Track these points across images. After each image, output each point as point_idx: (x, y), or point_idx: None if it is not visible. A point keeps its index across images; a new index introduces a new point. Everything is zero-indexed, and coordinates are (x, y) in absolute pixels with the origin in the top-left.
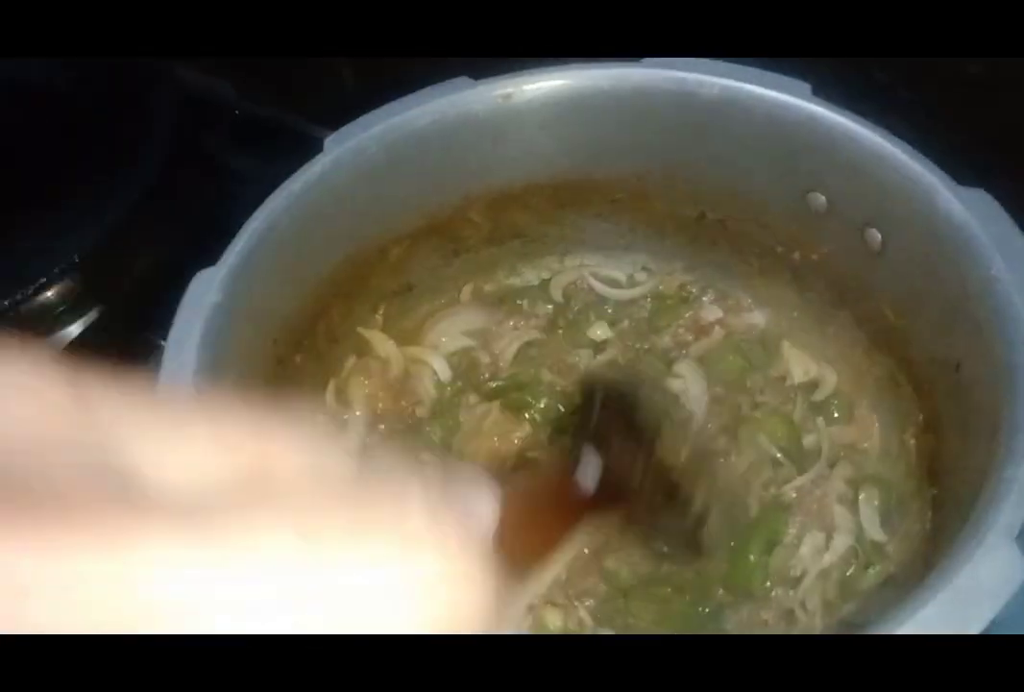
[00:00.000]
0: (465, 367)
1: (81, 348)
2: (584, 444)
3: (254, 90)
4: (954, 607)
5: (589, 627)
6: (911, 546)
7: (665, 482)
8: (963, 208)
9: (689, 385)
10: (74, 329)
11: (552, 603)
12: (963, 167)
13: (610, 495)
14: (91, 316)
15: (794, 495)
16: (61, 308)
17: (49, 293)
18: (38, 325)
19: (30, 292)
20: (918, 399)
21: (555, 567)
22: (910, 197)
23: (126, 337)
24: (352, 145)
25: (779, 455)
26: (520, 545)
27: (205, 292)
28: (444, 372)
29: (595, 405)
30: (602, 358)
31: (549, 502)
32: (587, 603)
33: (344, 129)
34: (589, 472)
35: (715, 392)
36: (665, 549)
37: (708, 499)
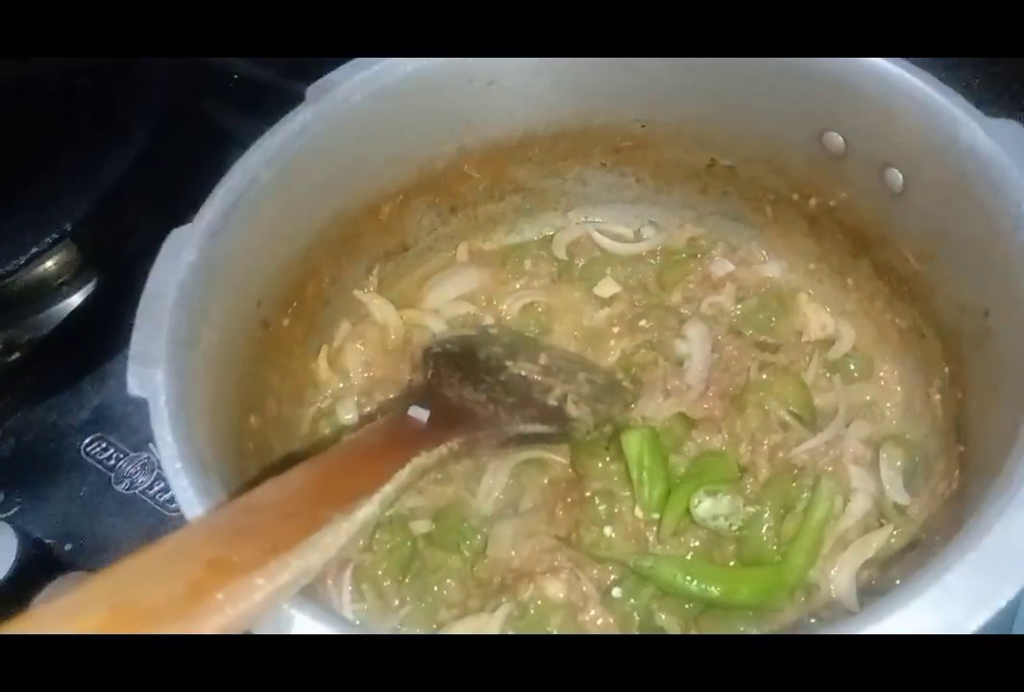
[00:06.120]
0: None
1: (81, 320)
2: (414, 401)
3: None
4: (984, 569)
5: (594, 599)
6: (937, 507)
7: (518, 389)
8: (991, 141)
9: (694, 349)
10: (75, 299)
11: (553, 571)
12: (994, 98)
13: (445, 426)
14: (91, 286)
15: (805, 457)
16: (61, 279)
17: (48, 263)
18: (38, 296)
19: (22, 262)
20: (944, 350)
21: (389, 490)
22: (933, 131)
23: (126, 306)
24: (335, 94)
25: (788, 418)
26: (356, 481)
27: (180, 251)
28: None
29: (428, 368)
30: (607, 313)
31: (382, 445)
32: (592, 573)
33: (326, 77)
34: (421, 415)
35: (723, 352)
36: (531, 430)
37: (567, 385)
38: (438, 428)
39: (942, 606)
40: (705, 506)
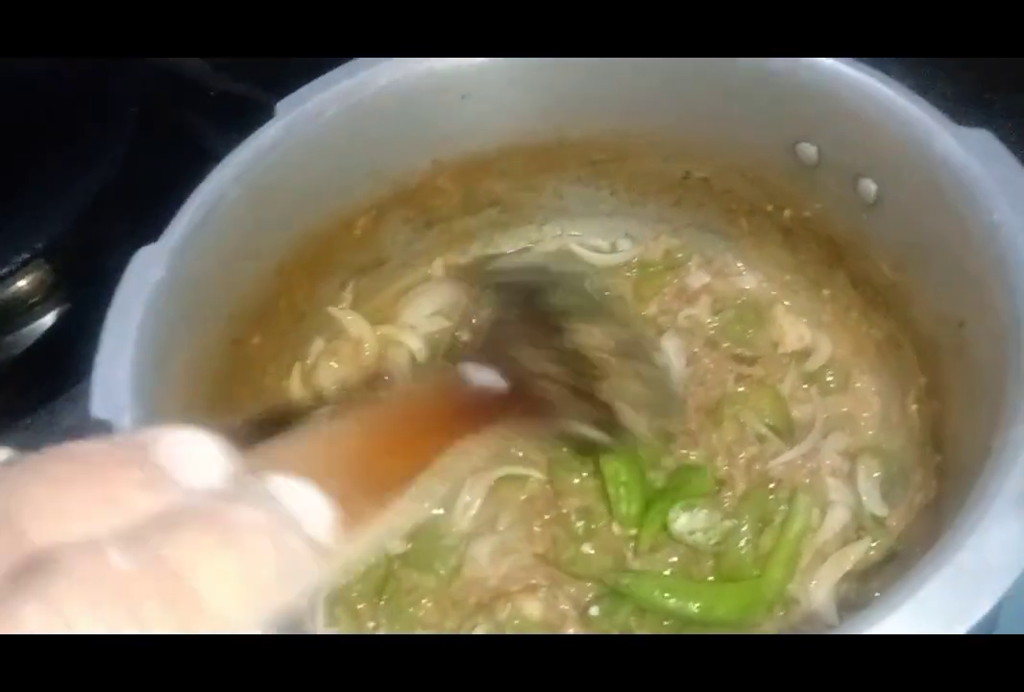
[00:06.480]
0: (445, 346)
1: (54, 340)
2: (471, 360)
3: (229, 65)
4: (959, 584)
5: (572, 618)
6: (915, 518)
7: (576, 369)
8: (963, 151)
9: (669, 361)
10: (48, 319)
11: (530, 590)
12: (966, 108)
13: (501, 400)
14: (64, 307)
15: (782, 470)
16: (33, 299)
17: (21, 283)
18: (11, 316)
19: None
20: (920, 361)
21: (440, 480)
22: (906, 142)
23: (100, 325)
24: (307, 108)
25: (764, 431)
26: (398, 460)
27: (147, 269)
28: (422, 353)
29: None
30: None
31: (431, 413)
32: (570, 591)
33: (298, 91)
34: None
35: (700, 365)
36: (583, 433)
37: (618, 385)
38: (493, 400)
39: (916, 622)
40: (682, 522)
